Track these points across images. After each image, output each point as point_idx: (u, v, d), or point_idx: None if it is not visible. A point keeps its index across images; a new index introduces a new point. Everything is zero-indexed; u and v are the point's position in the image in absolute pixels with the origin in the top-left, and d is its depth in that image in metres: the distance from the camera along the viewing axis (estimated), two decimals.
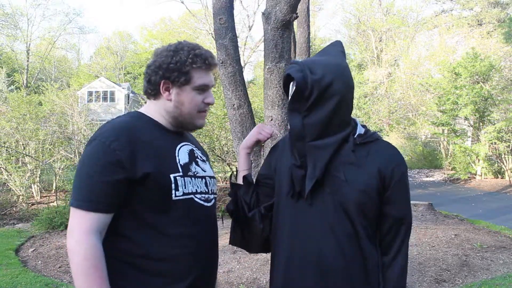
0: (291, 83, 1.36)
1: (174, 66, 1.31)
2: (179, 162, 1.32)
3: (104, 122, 1.42)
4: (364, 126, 1.40)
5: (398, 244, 1.32)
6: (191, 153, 1.39)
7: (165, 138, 1.34)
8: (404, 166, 1.34)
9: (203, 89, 1.36)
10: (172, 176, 1.27)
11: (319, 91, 1.27)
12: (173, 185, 1.26)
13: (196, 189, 1.33)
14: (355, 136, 1.33)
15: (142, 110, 1.40)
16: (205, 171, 1.41)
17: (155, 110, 1.37)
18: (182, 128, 1.41)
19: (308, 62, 1.33)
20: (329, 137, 1.30)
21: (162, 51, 1.36)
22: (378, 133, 1.64)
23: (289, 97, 1.36)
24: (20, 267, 4.72)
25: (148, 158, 1.24)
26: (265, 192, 1.48)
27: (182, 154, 1.35)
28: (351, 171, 1.29)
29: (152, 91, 1.36)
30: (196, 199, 1.32)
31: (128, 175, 1.20)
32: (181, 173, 1.30)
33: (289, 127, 1.37)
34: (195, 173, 1.35)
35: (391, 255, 1.32)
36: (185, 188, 1.29)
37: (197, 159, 1.40)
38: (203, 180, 1.38)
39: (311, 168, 1.28)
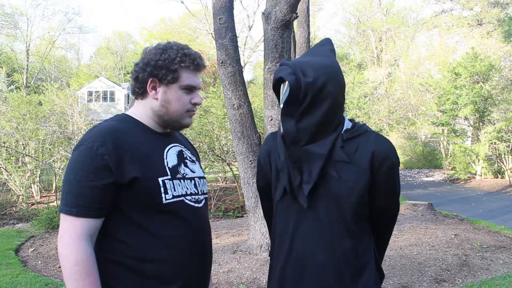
0: (282, 85, 1.33)
1: (163, 64, 1.29)
2: (167, 165, 1.31)
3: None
4: (351, 120, 1.37)
5: (382, 228, 1.42)
6: (180, 155, 1.38)
7: (152, 140, 1.33)
8: (394, 157, 1.31)
9: (190, 89, 1.35)
10: (160, 179, 1.26)
11: (313, 95, 1.24)
12: (162, 189, 1.26)
13: (185, 191, 1.32)
14: (343, 132, 1.31)
15: (129, 112, 1.39)
16: (194, 172, 1.40)
17: (143, 111, 1.36)
18: (169, 127, 1.40)
19: (299, 63, 1.29)
20: (322, 139, 1.28)
21: (151, 49, 1.34)
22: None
23: (282, 100, 1.32)
24: (20, 267, 4.71)
25: (136, 162, 1.23)
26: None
27: (170, 156, 1.34)
28: (343, 169, 1.28)
29: (140, 90, 1.34)
30: (186, 201, 1.32)
31: (116, 179, 1.20)
32: (169, 176, 1.29)
33: (281, 131, 1.33)
34: (184, 175, 1.35)
35: (376, 237, 1.41)
36: (174, 191, 1.29)
37: (186, 160, 1.40)
38: (192, 181, 1.37)
39: (307, 173, 1.28)
